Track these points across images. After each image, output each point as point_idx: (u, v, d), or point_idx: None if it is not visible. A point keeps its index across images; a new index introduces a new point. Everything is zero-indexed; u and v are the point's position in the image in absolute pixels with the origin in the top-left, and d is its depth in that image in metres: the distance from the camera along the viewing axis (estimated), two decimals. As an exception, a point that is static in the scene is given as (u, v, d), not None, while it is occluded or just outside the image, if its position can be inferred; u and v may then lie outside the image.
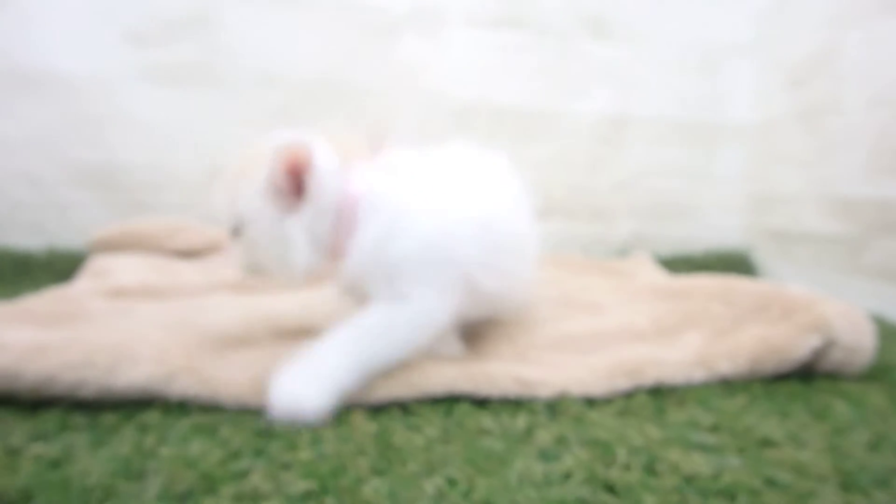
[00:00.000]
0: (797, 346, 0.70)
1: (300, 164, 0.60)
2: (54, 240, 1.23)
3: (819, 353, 0.71)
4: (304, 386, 0.54)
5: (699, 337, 0.75)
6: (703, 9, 1.44)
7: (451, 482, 0.47)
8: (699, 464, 0.51)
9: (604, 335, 0.77)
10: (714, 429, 0.59)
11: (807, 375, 0.72)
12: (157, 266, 1.04)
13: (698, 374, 0.68)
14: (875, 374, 0.73)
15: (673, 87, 1.46)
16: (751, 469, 0.50)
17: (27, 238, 1.23)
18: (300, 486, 0.45)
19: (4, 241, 1.21)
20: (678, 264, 1.41)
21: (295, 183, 0.61)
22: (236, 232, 0.64)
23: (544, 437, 0.56)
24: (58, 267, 1.16)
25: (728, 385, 0.69)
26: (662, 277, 1.08)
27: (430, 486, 0.46)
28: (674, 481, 0.48)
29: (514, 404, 0.63)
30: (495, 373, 0.64)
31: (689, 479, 0.49)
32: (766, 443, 0.56)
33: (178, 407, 0.56)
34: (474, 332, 0.77)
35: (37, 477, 0.44)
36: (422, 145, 0.76)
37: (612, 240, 1.48)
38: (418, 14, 1.34)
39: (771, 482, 0.48)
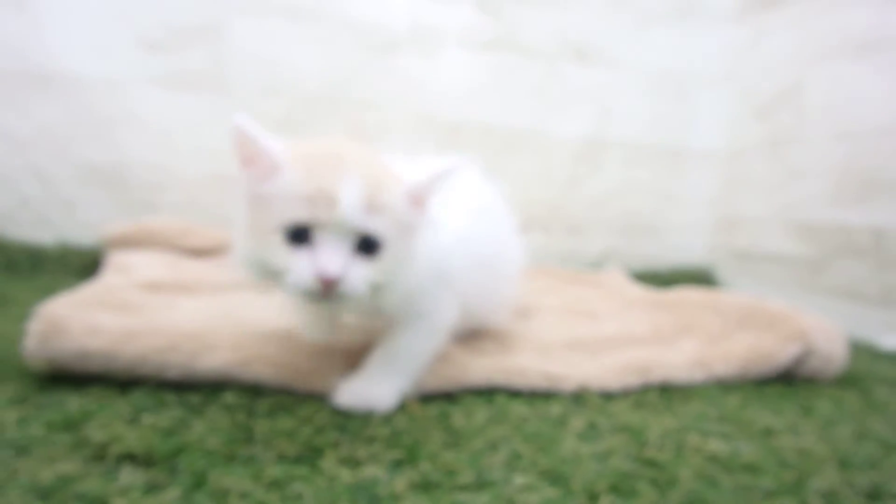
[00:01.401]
0: (781, 353, 0.80)
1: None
2: (61, 235, 1.24)
3: (798, 360, 0.82)
4: (376, 387, 0.61)
5: (695, 343, 0.85)
6: (679, 41, 1.56)
7: (516, 455, 0.54)
8: (718, 446, 0.59)
9: (609, 340, 0.86)
10: (721, 420, 0.67)
11: (787, 380, 0.83)
12: (173, 263, 1.06)
13: (698, 375, 0.78)
14: (846, 380, 0.84)
15: (648, 112, 1.57)
16: (761, 451, 0.59)
17: (35, 232, 1.24)
18: (391, 454, 0.51)
19: (14, 235, 1.23)
20: (647, 278, 1.52)
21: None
22: (370, 244, 0.53)
23: (577, 423, 0.63)
24: (70, 261, 1.17)
25: (723, 385, 0.79)
26: (642, 290, 1.18)
27: (499, 458, 0.53)
28: (700, 460, 0.56)
29: (543, 396, 0.70)
30: (525, 368, 0.71)
31: (712, 458, 0.57)
32: (769, 432, 0.65)
33: (252, 390, 0.60)
34: (501, 334, 0.84)
35: (158, 442, 0.48)
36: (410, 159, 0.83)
37: (587, 254, 1.57)
38: (417, 35, 1.42)
39: (781, 462, 0.57)
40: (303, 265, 0.49)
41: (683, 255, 1.61)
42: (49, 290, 1.04)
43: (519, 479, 0.49)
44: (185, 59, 1.29)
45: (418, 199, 0.55)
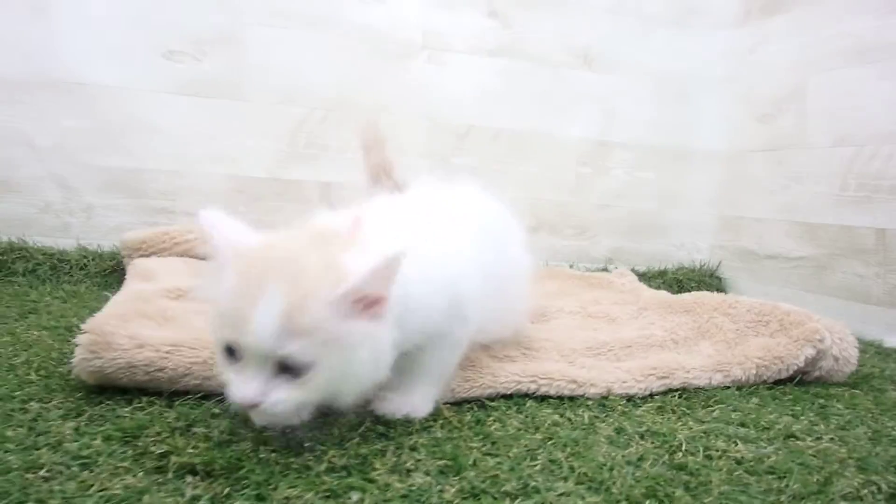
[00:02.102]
0: (796, 355, 0.83)
1: (390, 272, 0.50)
2: (81, 240, 1.26)
3: (811, 362, 0.84)
4: (413, 397, 0.64)
5: (711, 346, 0.88)
6: (681, 45, 1.58)
7: (553, 461, 0.56)
8: (743, 451, 0.62)
9: (629, 344, 0.88)
10: (742, 424, 0.70)
11: (800, 381, 0.85)
12: (193, 270, 1.08)
13: (716, 378, 0.80)
14: (857, 380, 0.87)
15: (651, 115, 1.60)
16: (784, 455, 0.62)
17: (55, 238, 1.26)
18: (436, 463, 0.53)
19: (36, 241, 1.24)
20: (653, 278, 1.55)
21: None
22: (289, 368, 0.48)
23: (606, 428, 0.66)
24: (90, 267, 1.19)
25: (740, 388, 0.82)
26: (655, 292, 1.20)
27: (537, 465, 0.55)
28: (728, 464, 0.59)
29: (569, 400, 0.73)
30: (552, 374, 0.74)
31: (739, 462, 0.59)
32: (789, 435, 0.67)
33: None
34: (525, 339, 0.86)
35: (216, 454, 0.50)
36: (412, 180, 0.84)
37: (594, 255, 1.60)
38: (427, 42, 1.44)
39: (805, 465, 0.60)
40: (231, 383, 0.48)
41: (688, 254, 1.64)
42: (73, 298, 1.06)
43: (560, 486, 0.52)
44: (203, 68, 1.31)
45: (364, 300, 0.49)
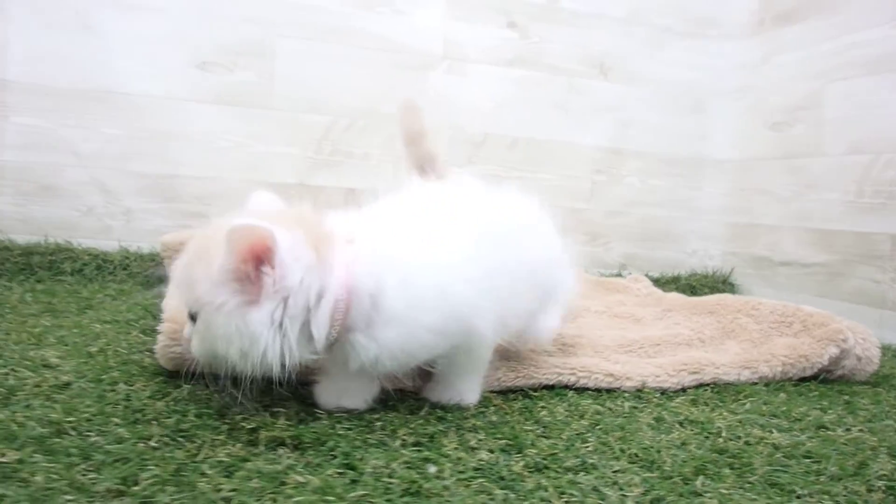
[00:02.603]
0: (820, 354, 0.87)
1: (258, 250, 0.52)
2: (121, 242, 1.32)
3: (835, 361, 0.89)
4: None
5: (737, 345, 0.92)
6: (693, 56, 1.63)
7: (604, 444, 0.60)
8: (779, 438, 0.66)
9: (658, 342, 0.92)
10: (774, 415, 0.74)
11: (824, 380, 0.90)
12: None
13: (745, 375, 0.85)
14: (877, 380, 0.91)
15: (664, 124, 1.65)
16: (819, 443, 0.66)
17: (98, 240, 1.31)
18: (497, 442, 0.57)
19: (80, 242, 1.29)
20: (666, 283, 1.60)
21: (256, 272, 0.53)
22: (193, 317, 0.57)
23: (646, 417, 0.70)
24: (132, 266, 1.25)
25: (767, 384, 0.86)
26: (678, 295, 1.24)
27: (589, 445, 0.59)
28: (767, 449, 0.63)
29: (606, 392, 0.77)
30: (590, 368, 0.78)
31: (777, 447, 0.63)
32: (820, 426, 0.71)
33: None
34: (559, 336, 0.90)
35: (302, 430, 0.55)
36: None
37: (607, 261, 1.64)
38: (448, 53, 1.49)
39: (839, 451, 0.63)
40: None
41: (700, 261, 1.69)
42: (122, 295, 1.11)
43: (614, 465, 0.56)
44: (235, 78, 1.37)
45: (246, 279, 0.53)
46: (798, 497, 0.53)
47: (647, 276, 1.53)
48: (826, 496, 0.54)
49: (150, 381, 0.66)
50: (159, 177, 1.33)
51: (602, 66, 1.59)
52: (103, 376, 0.66)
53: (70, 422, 0.54)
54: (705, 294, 1.57)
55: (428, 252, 0.60)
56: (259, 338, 0.53)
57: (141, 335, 0.85)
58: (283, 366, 0.55)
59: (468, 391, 0.68)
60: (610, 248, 1.64)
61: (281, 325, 0.54)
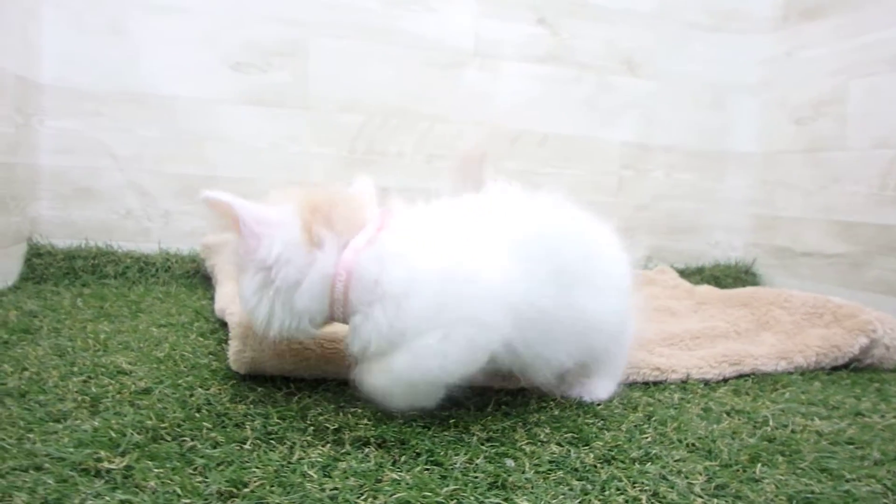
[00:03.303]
0: (851, 344, 0.91)
1: (230, 219, 0.60)
2: (160, 244, 1.35)
3: (865, 351, 0.92)
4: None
5: (772, 336, 0.96)
6: (717, 52, 1.66)
7: (661, 434, 0.64)
8: (821, 426, 0.70)
9: (697, 335, 0.96)
10: (812, 404, 0.78)
11: (854, 369, 0.93)
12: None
13: (781, 365, 0.88)
14: (902, 367, 0.95)
15: (690, 119, 1.68)
16: (859, 429, 0.69)
17: (137, 242, 1.34)
18: (563, 435, 0.61)
19: (120, 245, 1.32)
20: (691, 275, 1.63)
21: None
22: None
23: (694, 408, 0.74)
24: (173, 268, 1.27)
25: (802, 374, 0.89)
26: (710, 288, 1.28)
27: (647, 436, 0.63)
28: (812, 436, 0.67)
29: (654, 385, 0.81)
30: (637, 363, 0.82)
31: (821, 435, 0.67)
32: (857, 413, 0.75)
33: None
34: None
35: (384, 429, 0.59)
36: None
37: (634, 253, 1.67)
38: (480, 51, 1.51)
39: (878, 437, 0.67)
40: None
41: (723, 252, 1.72)
42: (169, 297, 1.14)
43: (675, 454, 0.60)
44: (269, 79, 1.38)
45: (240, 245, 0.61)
46: (847, 481, 0.57)
47: (672, 267, 1.57)
48: (873, 480, 0.57)
49: (225, 385, 0.69)
50: (196, 178, 1.35)
51: (630, 63, 1.62)
52: (179, 381, 0.69)
53: (164, 427, 0.56)
54: (729, 283, 1.60)
55: (447, 255, 0.59)
56: (247, 303, 0.60)
57: (200, 338, 0.88)
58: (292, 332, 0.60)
59: (605, 390, 0.70)
60: (637, 241, 1.67)
61: (276, 295, 0.59)
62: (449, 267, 0.58)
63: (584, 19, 1.57)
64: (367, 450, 0.56)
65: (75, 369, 0.71)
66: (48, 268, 1.21)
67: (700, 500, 0.51)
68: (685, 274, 1.58)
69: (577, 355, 0.66)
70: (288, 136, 1.41)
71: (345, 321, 0.62)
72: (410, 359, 0.57)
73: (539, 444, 0.60)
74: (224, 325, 0.91)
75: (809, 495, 0.53)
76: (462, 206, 0.66)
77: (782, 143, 1.60)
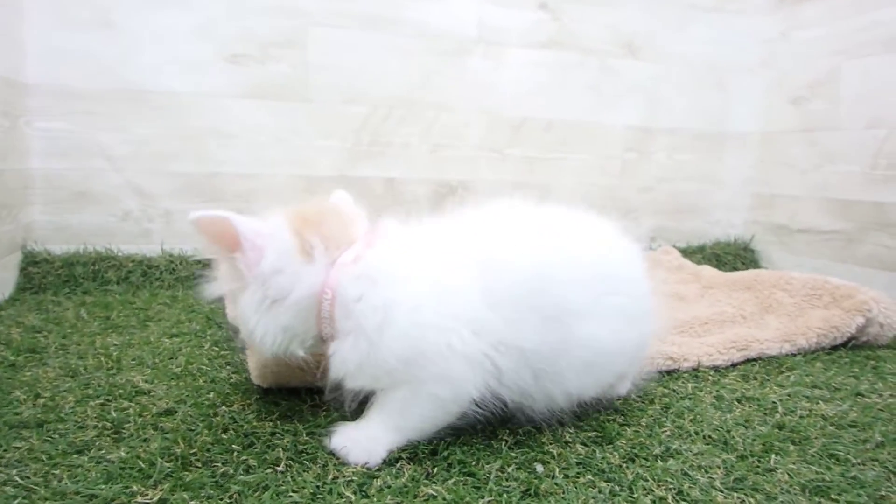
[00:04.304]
0: (849, 324, 0.95)
1: (224, 237, 0.58)
2: (163, 245, 1.31)
3: (861, 329, 0.96)
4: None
5: (776, 320, 0.99)
6: (717, 34, 1.68)
7: (679, 427, 0.68)
8: (825, 409, 0.73)
9: (706, 321, 0.99)
10: (815, 386, 0.81)
11: (852, 347, 0.97)
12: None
13: (785, 348, 0.92)
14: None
15: (690, 101, 1.70)
16: (860, 411, 0.73)
17: (138, 245, 1.30)
18: (587, 434, 0.63)
19: (120, 248, 1.29)
20: (692, 253, 1.66)
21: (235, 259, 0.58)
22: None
23: (707, 396, 0.77)
24: (178, 270, 1.25)
25: (804, 355, 0.93)
26: (714, 271, 1.30)
27: (666, 430, 0.67)
28: (818, 421, 0.70)
29: (666, 374, 0.83)
30: (650, 353, 0.84)
31: (826, 419, 0.71)
32: (857, 394, 0.79)
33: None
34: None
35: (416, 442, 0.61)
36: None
37: (638, 234, 1.69)
38: (483, 37, 1.51)
39: (877, 418, 0.71)
40: None
41: (723, 230, 1.75)
42: (176, 302, 1.13)
43: (694, 448, 0.63)
44: (269, 71, 1.34)
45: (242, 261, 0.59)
46: (853, 465, 0.61)
47: (674, 247, 1.59)
48: (876, 463, 0.61)
49: (248, 400, 0.69)
50: (196, 176, 1.32)
51: (631, 46, 1.62)
52: (201, 399, 0.69)
53: (193, 453, 0.56)
54: (728, 260, 1.64)
55: (429, 280, 0.57)
56: (248, 320, 0.58)
57: (215, 348, 0.88)
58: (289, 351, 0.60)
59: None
60: (640, 223, 1.69)
61: (269, 310, 0.58)
62: (423, 309, 0.56)
63: (586, 3, 1.56)
64: (399, 463, 0.57)
65: (90, 391, 0.70)
66: (46, 276, 1.18)
67: (721, 494, 0.54)
68: (687, 253, 1.61)
69: (597, 383, 0.65)
70: (291, 130, 1.38)
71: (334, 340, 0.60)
72: (381, 419, 0.58)
73: (565, 445, 0.62)
74: (238, 333, 0.91)
75: (820, 483, 0.57)
76: (450, 232, 0.63)
77: (780, 124, 1.63)
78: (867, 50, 1.37)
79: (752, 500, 0.53)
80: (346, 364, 0.57)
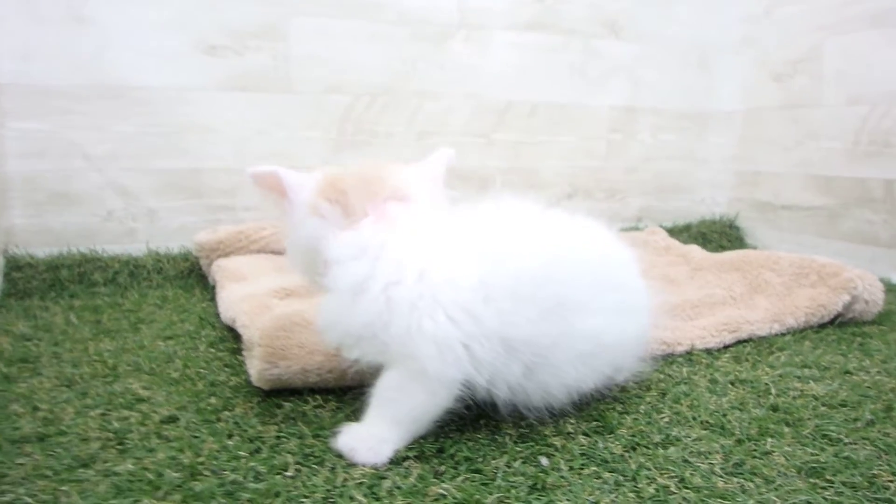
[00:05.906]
0: (835, 302, 0.97)
1: (273, 185, 0.68)
2: (148, 244, 1.29)
3: (847, 307, 0.98)
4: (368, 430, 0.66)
5: (765, 300, 1.01)
6: (699, 13, 1.68)
7: (676, 413, 0.69)
8: (816, 389, 0.75)
9: (696, 304, 1.01)
10: (805, 366, 0.84)
11: (839, 324, 0.99)
12: (277, 266, 1.14)
13: (774, 328, 0.94)
14: (882, 318, 1.02)
15: (674, 80, 1.70)
16: (848, 389, 0.75)
17: (123, 245, 1.29)
18: (587, 425, 0.65)
19: (103, 249, 1.26)
20: (679, 232, 1.68)
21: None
22: None
23: (702, 380, 0.79)
24: (165, 269, 1.23)
25: (793, 334, 0.95)
26: (703, 252, 1.32)
27: (664, 416, 0.68)
28: (809, 401, 0.72)
29: (661, 358, 0.85)
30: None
31: (817, 398, 0.73)
32: (846, 371, 0.81)
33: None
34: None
35: (420, 439, 0.62)
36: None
37: (625, 215, 1.72)
38: (465, 21, 1.49)
39: (866, 396, 0.73)
40: None
41: (708, 208, 1.77)
42: (167, 303, 1.11)
43: (692, 433, 0.64)
44: (248, 62, 1.32)
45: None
46: (846, 445, 0.63)
47: (661, 226, 1.61)
48: (867, 441, 0.63)
49: (249, 403, 0.69)
50: (179, 172, 1.30)
51: (614, 26, 1.62)
52: (202, 405, 0.68)
53: (201, 462, 0.56)
54: (714, 239, 1.66)
55: (420, 263, 0.59)
56: (286, 243, 0.70)
57: (211, 349, 0.87)
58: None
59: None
60: (627, 203, 1.70)
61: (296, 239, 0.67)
62: (402, 286, 0.58)
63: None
64: (406, 463, 0.58)
65: (89, 401, 0.69)
66: (31, 281, 1.16)
67: (721, 480, 0.56)
68: (673, 232, 1.63)
69: (596, 373, 0.66)
70: (274, 122, 1.36)
71: None
72: (378, 412, 0.61)
73: (567, 436, 0.63)
74: (232, 330, 0.90)
75: (815, 465, 0.59)
76: (456, 223, 0.64)
77: (763, 101, 1.64)
78: (850, 26, 1.38)
79: (751, 484, 0.55)
80: (323, 315, 0.63)
